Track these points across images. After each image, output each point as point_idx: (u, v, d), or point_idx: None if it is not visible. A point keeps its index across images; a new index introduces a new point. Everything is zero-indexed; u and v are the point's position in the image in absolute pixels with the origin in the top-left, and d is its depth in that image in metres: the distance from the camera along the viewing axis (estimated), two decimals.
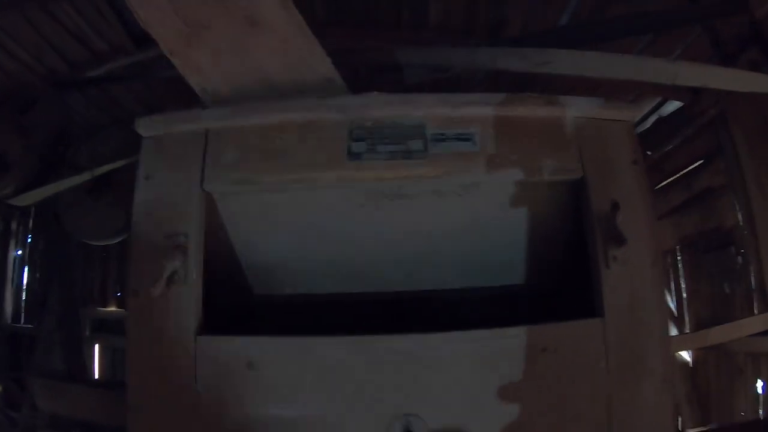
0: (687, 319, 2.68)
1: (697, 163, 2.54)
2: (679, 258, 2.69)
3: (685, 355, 2.56)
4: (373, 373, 1.09)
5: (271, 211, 1.23)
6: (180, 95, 1.43)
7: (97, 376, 2.55)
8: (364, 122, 1.17)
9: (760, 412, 2.12)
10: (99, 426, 1.91)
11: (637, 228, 1.21)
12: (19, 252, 2.70)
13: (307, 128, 1.17)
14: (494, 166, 1.14)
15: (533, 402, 1.09)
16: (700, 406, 2.27)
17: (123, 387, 1.19)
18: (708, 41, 2.49)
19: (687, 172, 2.58)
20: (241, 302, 1.33)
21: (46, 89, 2.31)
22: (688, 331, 2.57)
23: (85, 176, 1.91)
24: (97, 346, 2.56)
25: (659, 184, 2.74)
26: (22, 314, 2.65)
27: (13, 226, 2.75)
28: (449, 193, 1.18)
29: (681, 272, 2.66)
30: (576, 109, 1.20)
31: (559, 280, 1.32)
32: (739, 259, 2.32)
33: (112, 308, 3.16)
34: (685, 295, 2.64)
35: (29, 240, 2.68)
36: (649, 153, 2.63)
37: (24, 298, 2.63)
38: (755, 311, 2.21)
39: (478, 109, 1.15)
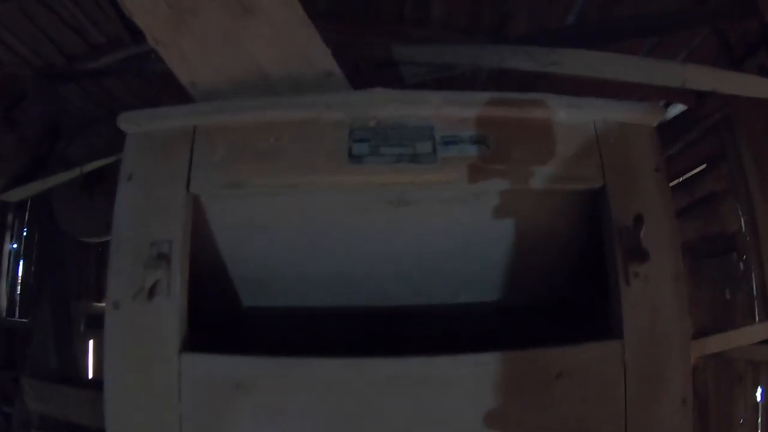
0: None
1: (700, 168, 2.39)
2: None
3: None
4: (371, 398, 0.93)
5: (263, 217, 1.07)
6: (178, 90, 1.27)
7: (91, 372, 2.41)
8: (366, 122, 1.01)
9: (760, 420, 2.00)
10: (89, 428, 1.77)
11: (659, 240, 1.05)
12: (15, 245, 2.53)
13: (303, 127, 1.00)
14: (510, 172, 0.98)
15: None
16: (699, 413, 2.15)
17: None
18: (714, 44, 2.33)
19: (690, 176, 2.43)
20: (229, 314, 1.17)
21: (38, 82, 2.13)
22: None
23: (75, 172, 1.74)
24: (91, 342, 2.42)
25: None
26: (17, 308, 2.49)
27: (9, 219, 2.59)
28: (459, 201, 1.02)
29: None
30: (598, 112, 1.04)
31: (572, 295, 1.17)
32: (741, 265, 2.18)
33: None
34: None
35: (25, 233, 2.51)
36: None
37: (19, 292, 2.47)
38: (756, 318, 2.09)
39: (493, 110, 0.99)
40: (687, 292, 1.10)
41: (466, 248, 1.10)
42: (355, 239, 1.08)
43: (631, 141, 1.08)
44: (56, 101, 2.16)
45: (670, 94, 2.62)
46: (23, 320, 2.41)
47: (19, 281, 2.48)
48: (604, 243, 1.04)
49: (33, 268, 2.43)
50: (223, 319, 1.16)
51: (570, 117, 1.03)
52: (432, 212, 1.04)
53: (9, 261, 2.49)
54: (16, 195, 1.82)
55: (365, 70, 2.03)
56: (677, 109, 2.50)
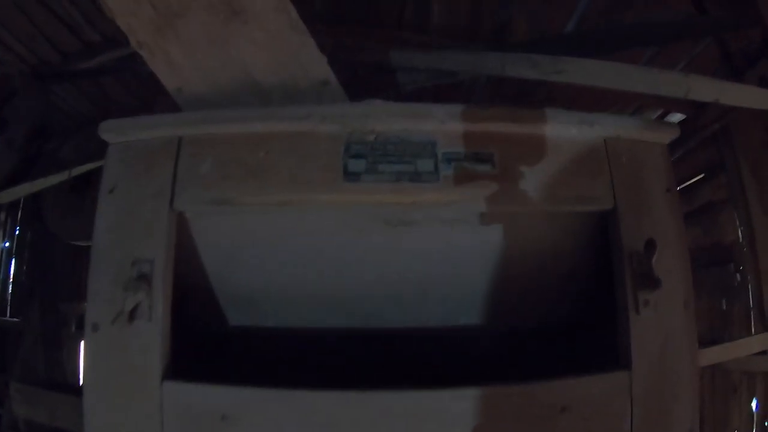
0: None
1: (698, 177, 2.31)
2: None
3: None
4: None
5: (252, 235, 0.96)
6: None
7: (81, 374, 2.31)
8: (364, 136, 0.90)
9: (755, 430, 1.93)
10: None
11: (670, 266, 0.96)
12: (7, 243, 2.42)
13: (296, 140, 0.90)
14: (516, 193, 0.88)
15: None
16: None
17: None
18: (714, 53, 2.24)
19: (687, 185, 2.34)
20: (215, 333, 1.07)
21: (27, 81, 2.00)
22: None
23: (63, 176, 1.63)
24: (83, 344, 2.30)
25: None
26: (8, 307, 2.38)
27: (1, 217, 2.46)
28: (461, 222, 0.92)
29: None
30: (610, 129, 0.94)
31: (577, 320, 1.07)
32: (738, 276, 2.11)
33: None
34: None
35: (17, 231, 2.40)
36: None
37: (10, 291, 2.36)
38: (752, 329, 2.01)
39: (500, 126, 0.89)
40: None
41: (467, 270, 1.00)
42: (349, 259, 0.98)
43: (642, 159, 0.99)
44: (45, 101, 2.03)
45: (668, 104, 2.53)
46: (15, 320, 2.31)
47: (11, 280, 2.36)
48: (613, 268, 0.95)
49: (25, 267, 2.32)
50: (208, 338, 1.06)
51: (581, 134, 0.93)
52: (432, 233, 0.94)
53: (1, 259, 2.37)
54: (4, 197, 1.71)
55: (363, 76, 1.93)
56: (675, 118, 2.41)
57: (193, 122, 0.94)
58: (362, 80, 2.12)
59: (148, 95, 2.68)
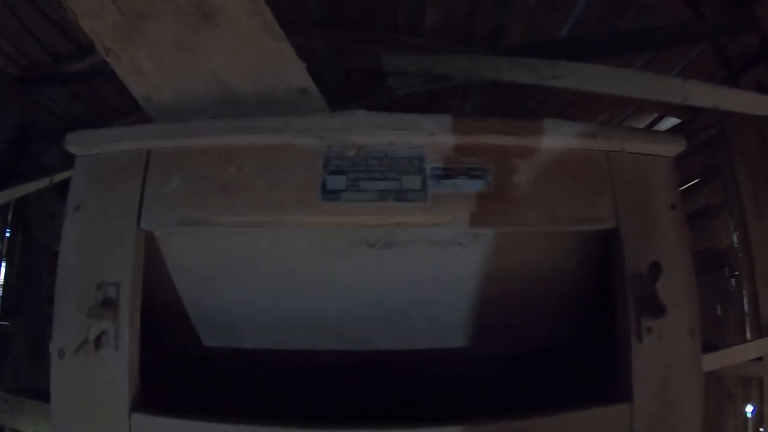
0: None
1: (693, 182, 2.20)
2: None
3: None
4: None
5: (224, 255, 0.85)
6: None
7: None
8: (344, 150, 0.79)
9: None
10: None
11: (675, 290, 0.86)
12: None
13: (270, 155, 0.79)
14: (512, 212, 0.77)
15: None
16: None
17: None
18: (711, 58, 2.13)
19: (683, 190, 2.24)
20: (187, 355, 0.97)
21: (7, 84, 1.88)
22: None
23: (45, 182, 1.52)
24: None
25: None
26: None
27: None
28: (451, 243, 0.82)
29: None
30: (614, 141, 0.84)
31: (570, 345, 0.97)
32: (733, 281, 2.02)
33: None
34: None
35: (7, 235, 2.29)
36: None
37: (1, 294, 2.25)
38: (747, 334, 1.92)
39: (494, 138, 0.78)
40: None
41: (455, 291, 0.90)
42: (328, 281, 0.87)
43: (647, 174, 0.88)
44: (27, 105, 1.91)
45: (663, 108, 2.42)
46: (5, 323, 2.21)
47: (1, 284, 2.26)
48: (614, 292, 0.85)
49: (15, 271, 2.22)
50: (182, 360, 0.96)
51: (582, 147, 0.82)
52: (420, 255, 0.83)
53: None
54: None
55: (356, 81, 1.82)
56: (670, 123, 2.31)
57: (160, 134, 0.83)
58: (355, 85, 2.01)
59: None
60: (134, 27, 0.85)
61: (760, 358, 1.83)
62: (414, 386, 0.94)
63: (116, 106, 2.46)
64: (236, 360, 0.96)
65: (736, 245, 2.00)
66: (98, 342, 0.82)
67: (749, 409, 1.89)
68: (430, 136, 0.78)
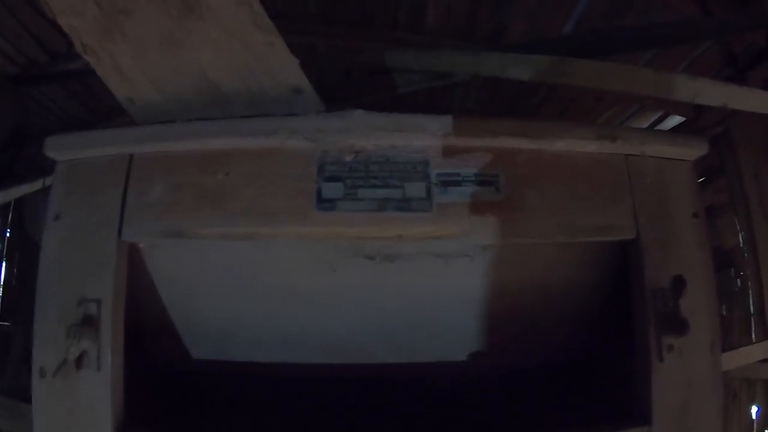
0: None
1: (698, 181, 2.10)
2: None
3: None
4: None
5: (214, 269, 0.77)
6: None
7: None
8: (341, 155, 0.70)
9: None
10: None
11: (696, 304, 0.77)
12: None
13: (260, 160, 0.70)
14: (525, 223, 0.68)
15: None
16: None
17: None
18: (715, 55, 2.02)
19: None
20: (176, 368, 0.88)
21: (1, 84, 1.79)
22: None
23: (37, 185, 1.44)
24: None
25: None
26: None
27: None
28: (458, 255, 0.73)
29: None
30: (634, 144, 0.74)
31: (582, 360, 0.88)
32: (738, 281, 1.93)
33: None
34: None
35: (8, 234, 2.21)
36: None
37: (1, 294, 2.18)
38: (753, 335, 1.84)
39: (506, 141, 0.68)
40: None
41: (461, 306, 0.81)
42: (323, 294, 0.78)
43: (667, 180, 0.79)
44: (19, 105, 1.82)
45: (667, 106, 2.32)
46: (5, 324, 2.13)
47: (1, 283, 2.18)
48: (633, 307, 0.76)
49: (15, 271, 2.14)
50: (171, 374, 0.87)
51: (600, 150, 0.73)
52: (423, 268, 0.74)
53: None
54: None
55: (356, 79, 1.72)
56: (674, 120, 2.20)
57: (142, 138, 0.74)
58: (354, 83, 1.91)
59: None
60: (114, 22, 0.75)
61: (766, 360, 1.76)
62: (414, 401, 0.86)
63: (113, 105, 2.35)
64: (227, 373, 0.87)
65: (742, 245, 1.90)
66: (79, 362, 0.74)
67: (754, 410, 1.82)
68: (436, 139, 0.68)
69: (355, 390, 0.87)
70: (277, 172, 0.70)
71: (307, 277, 0.77)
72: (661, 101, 2.14)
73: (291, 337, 0.84)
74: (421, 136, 0.69)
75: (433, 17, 2.19)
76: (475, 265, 0.74)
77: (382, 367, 0.87)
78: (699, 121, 2.11)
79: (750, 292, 1.87)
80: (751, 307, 1.84)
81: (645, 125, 2.24)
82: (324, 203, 0.67)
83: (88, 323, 0.72)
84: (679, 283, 0.73)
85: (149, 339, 0.83)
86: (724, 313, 1.93)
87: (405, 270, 0.74)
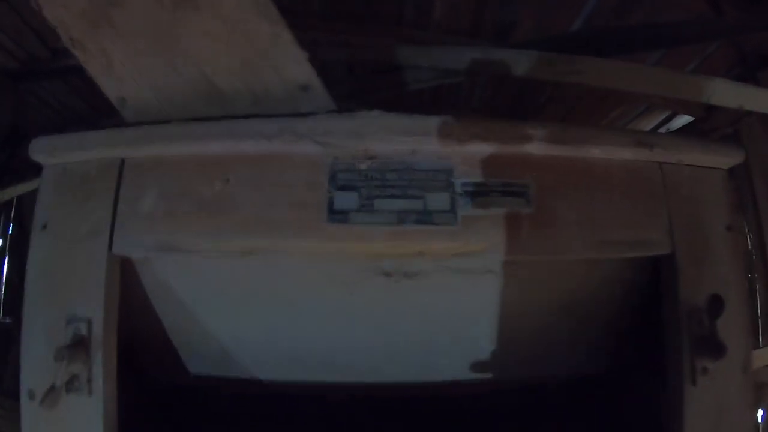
0: None
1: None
2: None
3: None
4: None
5: (213, 283, 0.68)
6: None
7: None
8: (355, 161, 0.61)
9: None
10: None
11: (730, 322, 0.70)
12: (0, 242, 2.14)
13: (264, 166, 0.61)
14: (557, 238, 0.60)
15: None
16: None
17: None
18: (725, 54, 1.93)
19: None
20: (173, 384, 0.80)
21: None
22: None
23: (34, 184, 1.35)
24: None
25: None
26: (2, 307, 2.12)
27: None
28: (481, 271, 0.65)
29: None
30: (671, 152, 0.66)
31: (604, 380, 0.81)
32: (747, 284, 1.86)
33: None
34: None
35: (11, 230, 2.12)
36: None
37: (4, 291, 2.10)
38: (760, 339, 1.78)
39: (538, 147, 0.60)
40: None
41: (482, 322, 0.73)
42: (332, 311, 0.70)
43: (702, 190, 0.70)
44: (19, 102, 1.72)
45: (676, 105, 2.23)
46: (7, 321, 2.05)
47: (4, 280, 2.10)
48: (666, 327, 0.68)
49: (17, 268, 2.06)
50: (166, 392, 0.79)
51: (635, 158, 0.64)
52: (443, 285, 0.66)
53: None
54: None
55: (359, 76, 1.62)
56: (683, 120, 2.11)
57: (134, 140, 0.65)
58: (358, 81, 1.81)
59: None
60: (103, 14, 0.66)
61: None
62: (427, 422, 0.78)
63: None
64: (228, 391, 0.79)
65: (751, 247, 1.83)
66: (69, 386, 0.66)
67: (760, 413, 1.76)
68: (461, 145, 0.59)
69: (363, 410, 0.79)
70: (282, 180, 0.61)
71: (315, 293, 0.68)
72: (670, 101, 2.05)
73: (296, 355, 0.76)
74: (446, 141, 0.60)
75: (439, 13, 2.08)
76: (498, 282, 0.66)
77: (393, 387, 0.79)
78: (708, 121, 2.03)
79: (758, 294, 1.80)
80: (759, 311, 1.78)
81: (651, 125, 2.16)
82: (336, 215, 0.59)
83: (78, 344, 0.64)
84: (716, 304, 0.65)
85: (144, 354, 0.76)
86: None
87: (424, 287, 0.65)
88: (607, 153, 0.62)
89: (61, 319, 0.66)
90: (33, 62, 2.22)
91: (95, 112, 2.45)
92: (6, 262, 2.13)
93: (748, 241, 1.82)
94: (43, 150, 0.71)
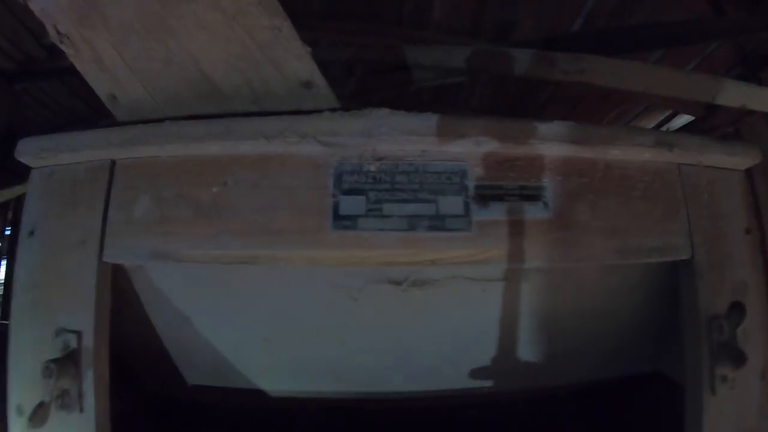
0: None
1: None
2: None
3: None
4: None
5: (210, 291, 0.63)
6: None
7: None
8: (363, 162, 0.56)
9: None
10: None
11: (750, 331, 0.65)
12: None
13: (264, 168, 0.56)
14: (575, 243, 0.55)
15: None
16: None
17: None
18: (725, 54, 1.89)
19: None
20: (170, 395, 0.75)
21: None
22: None
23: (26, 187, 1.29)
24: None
25: None
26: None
27: None
28: (496, 279, 0.60)
29: None
30: (690, 153, 0.61)
31: (616, 386, 0.77)
32: None
33: None
34: None
35: (8, 232, 2.05)
36: None
37: (3, 292, 2.03)
38: None
39: (556, 148, 0.55)
40: None
41: (494, 330, 0.68)
42: (337, 321, 0.64)
43: (721, 192, 0.66)
44: (13, 103, 1.65)
45: (676, 104, 2.19)
46: (5, 322, 1.98)
47: (2, 281, 2.03)
48: (684, 334, 0.64)
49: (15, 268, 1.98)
50: (162, 403, 0.74)
51: (655, 158, 0.60)
52: (456, 293, 0.61)
53: None
54: None
55: (359, 76, 1.57)
56: (683, 120, 2.07)
57: (125, 141, 0.59)
58: (359, 80, 1.76)
59: None
60: (92, 6, 0.61)
61: None
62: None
63: None
64: (228, 402, 0.74)
65: None
66: (59, 401, 0.60)
67: None
68: (476, 146, 0.54)
69: (367, 421, 0.74)
70: (283, 183, 0.56)
71: (318, 301, 0.63)
72: (671, 100, 2.01)
73: (298, 365, 0.71)
74: (459, 142, 0.55)
75: (439, 13, 2.04)
76: (513, 290, 0.61)
77: (398, 397, 0.74)
78: (709, 120, 1.99)
79: None
80: None
81: (652, 124, 2.12)
82: (342, 221, 0.53)
83: (68, 359, 0.59)
84: (738, 311, 0.61)
85: (139, 365, 0.71)
86: None
87: (435, 295, 0.61)
88: (626, 153, 0.58)
89: (49, 331, 0.60)
90: (29, 62, 2.15)
91: (95, 112, 2.39)
92: (5, 264, 2.06)
93: None
94: (29, 152, 0.66)
